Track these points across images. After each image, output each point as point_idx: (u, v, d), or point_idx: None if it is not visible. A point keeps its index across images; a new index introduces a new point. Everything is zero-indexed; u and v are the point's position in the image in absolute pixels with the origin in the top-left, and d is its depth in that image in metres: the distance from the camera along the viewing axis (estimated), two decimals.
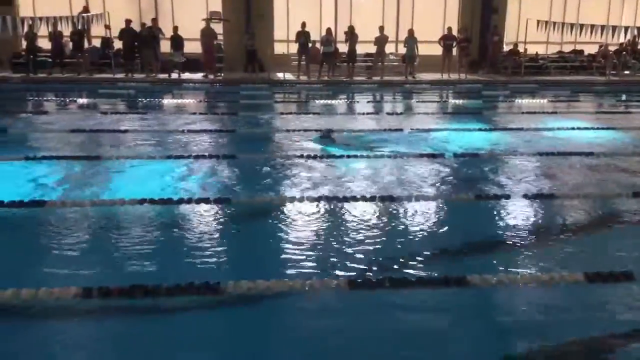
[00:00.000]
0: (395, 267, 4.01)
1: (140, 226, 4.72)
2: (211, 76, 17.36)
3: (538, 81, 18.16)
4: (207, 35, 17.23)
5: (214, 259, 4.14)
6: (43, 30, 16.17)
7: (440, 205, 5.54)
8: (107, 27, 17.46)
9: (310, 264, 4.04)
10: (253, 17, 19.12)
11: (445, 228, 4.90)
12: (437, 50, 18.87)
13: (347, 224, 4.84)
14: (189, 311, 3.43)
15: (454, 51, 19.02)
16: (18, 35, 15.99)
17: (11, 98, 13.21)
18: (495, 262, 4.14)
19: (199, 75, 17.79)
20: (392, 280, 3.53)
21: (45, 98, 13.66)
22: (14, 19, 13.55)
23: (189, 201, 5.13)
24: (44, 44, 17.29)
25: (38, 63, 16.91)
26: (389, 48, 19.36)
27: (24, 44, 17.06)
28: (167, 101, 13.49)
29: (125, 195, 5.24)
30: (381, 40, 18.24)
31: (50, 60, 17.10)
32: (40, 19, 14.71)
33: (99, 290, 3.31)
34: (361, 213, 5.08)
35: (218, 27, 18.22)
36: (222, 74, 17.69)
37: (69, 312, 3.37)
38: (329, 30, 18.10)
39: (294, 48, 18.90)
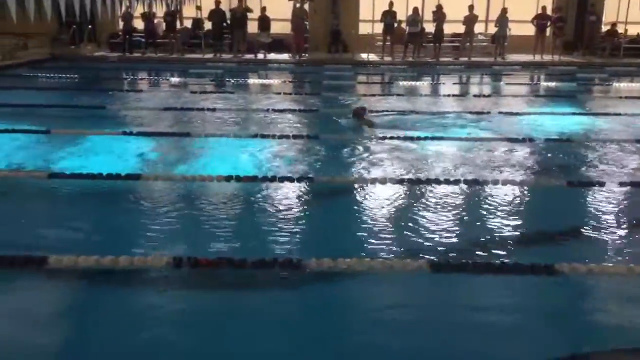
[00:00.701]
0: (479, 252, 3.92)
1: (226, 202, 4.89)
2: (298, 57, 17.47)
3: (639, 64, 16.95)
4: (298, 15, 17.31)
5: (297, 236, 4.23)
6: (138, 11, 16.87)
7: (530, 191, 5.34)
8: (199, 8, 17.98)
9: (391, 245, 4.04)
10: None
11: (534, 214, 4.74)
12: (530, 30, 18.00)
13: (430, 207, 4.78)
14: (271, 286, 3.52)
15: (548, 31, 18.08)
16: (115, 16, 16.79)
17: (108, 76, 13.96)
18: (585, 251, 3.97)
19: (284, 56, 17.99)
20: (476, 264, 3.46)
21: (139, 76, 14.31)
22: (113, 1, 14.22)
23: (272, 179, 5.24)
24: (139, 24, 18.07)
25: (133, 43, 17.72)
26: (478, 28, 18.69)
27: (121, 24, 17.93)
28: (253, 81, 13.78)
29: (212, 172, 5.44)
30: (471, 20, 17.64)
31: (143, 40, 17.87)
32: (137, 0, 15.35)
33: (188, 260, 3.47)
34: (445, 196, 5.00)
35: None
36: (307, 55, 17.78)
37: (160, 279, 3.55)
38: (415, 9, 17.72)
39: (378, 28, 18.66)
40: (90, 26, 17.44)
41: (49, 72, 13.69)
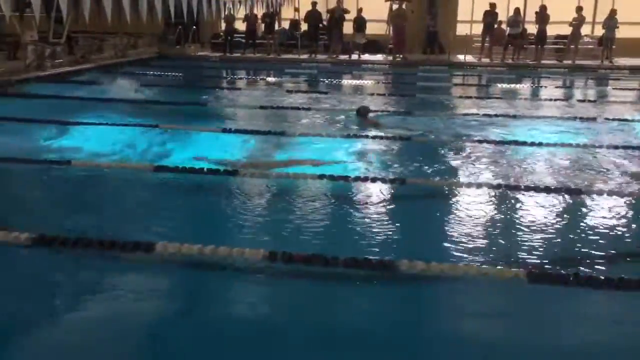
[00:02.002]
0: (580, 264, 3.75)
1: (319, 200, 4.97)
2: (398, 57, 17.37)
3: None
4: (399, 16, 17.24)
5: (389, 237, 4.23)
6: (240, 13, 17.47)
7: (637, 203, 5.02)
8: (296, 9, 18.38)
9: (486, 251, 3.95)
10: None
11: None
12: None
13: (528, 215, 4.62)
14: (362, 285, 3.56)
15: None
16: (218, 18, 17.50)
17: (210, 75, 14.58)
18: None
19: (378, 57, 17.99)
20: (577, 277, 3.31)
21: (238, 76, 14.86)
22: (217, 2, 14.86)
23: (365, 179, 5.28)
24: (240, 26, 18.71)
25: (234, 44, 18.40)
26: (584, 30, 17.74)
27: (223, 26, 18.66)
28: (347, 81, 13.88)
29: (306, 170, 5.56)
30: (578, 21, 16.77)
31: (244, 41, 18.49)
32: (240, 1, 15.93)
33: (283, 254, 3.58)
34: (544, 204, 4.81)
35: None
36: (400, 56, 17.65)
37: (255, 272, 3.68)
38: (517, 10, 17.11)
39: (477, 29, 18.21)
40: (194, 27, 18.29)
41: (155, 69, 14.52)
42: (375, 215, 4.63)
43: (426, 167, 6.02)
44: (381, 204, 4.88)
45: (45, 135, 7.04)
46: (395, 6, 17.72)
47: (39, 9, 9.19)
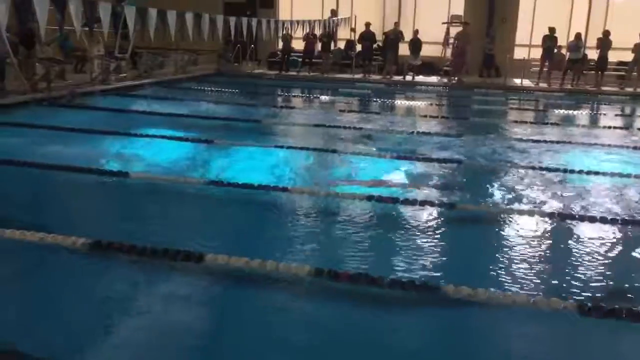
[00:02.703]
0: (635, 298, 3.62)
1: (367, 220, 5.00)
2: (454, 80, 17.27)
3: None
4: (461, 38, 17.16)
5: (436, 261, 4.20)
6: (298, 33, 17.78)
7: None
8: (353, 29, 18.58)
9: (536, 281, 3.87)
10: (495, 20, 18.60)
11: None
12: None
13: (580, 244, 4.51)
14: (406, 307, 3.55)
15: None
16: (276, 37, 17.87)
17: (266, 92, 14.88)
18: None
19: (433, 78, 17.94)
20: (632, 312, 3.20)
21: (293, 94, 15.10)
22: (276, 22, 15.21)
23: (414, 202, 5.27)
24: (295, 44, 19.04)
25: (290, 62, 18.73)
26: None
27: (280, 44, 19.05)
28: (400, 102, 13.88)
29: (355, 190, 5.61)
30: None
31: (300, 60, 18.80)
32: (298, 22, 16.25)
33: (328, 272, 3.62)
34: (598, 234, 4.68)
35: (455, 31, 18.09)
36: (457, 78, 17.54)
37: (300, 287, 3.72)
38: (578, 35, 16.75)
39: (535, 53, 17.91)
40: (252, 45, 18.75)
41: (213, 86, 14.94)
42: (422, 239, 4.61)
43: (477, 192, 5.95)
44: (429, 228, 4.86)
45: (107, 146, 7.37)
46: (452, 28, 17.68)
47: (108, 25, 9.66)
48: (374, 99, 13.86)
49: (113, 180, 5.75)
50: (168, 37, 10.84)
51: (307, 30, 17.15)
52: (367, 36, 17.87)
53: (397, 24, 17.84)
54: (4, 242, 4.02)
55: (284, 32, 16.63)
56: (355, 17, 18.55)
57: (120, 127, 8.17)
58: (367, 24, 17.83)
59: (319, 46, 18.62)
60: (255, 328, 3.30)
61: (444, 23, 18.59)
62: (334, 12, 19.38)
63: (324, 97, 14.20)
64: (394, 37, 17.42)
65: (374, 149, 7.81)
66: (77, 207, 5.44)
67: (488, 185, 6.19)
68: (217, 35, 12.10)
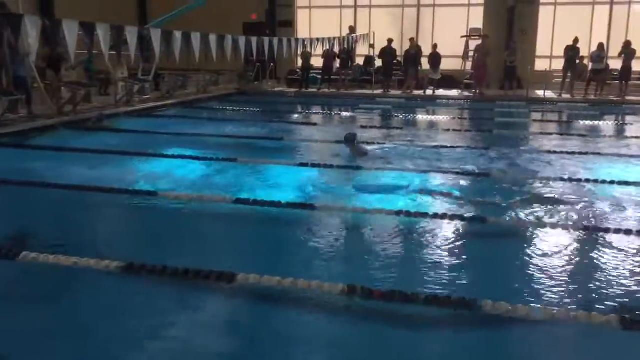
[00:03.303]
0: None
1: (397, 236, 4.95)
2: (476, 92, 17.19)
3: None
4: (481, 51, 17.12)
5: (470, 277, 4.14)
6: (318, 51, 17.87)
7: None
8: (372, 46, 18.64)
9: (575, 295, 3.79)
10: (515, 32, 18.53)
11: None
12: None
13: (616, 257, 4.40)
14: (443, 324, 3.48)
15: None
16: (296, 55, 18.00)
17: (286, 110, 14.95)
18: None
19: (453, 92, 17.88)
20: None
21: (313, 111, 15.15)
22: (297, 40, 15.35)
23: (443, 216, 5.20)
24: (314, 61, 19.13)
25: (310, 79, 18.84)
26: None
27: (300, 62, 19.19)
28: (422, 117, 13.83)
29: (383, 205, 5.56)
30: None
31: (319, 77, 18.88)
32: (318, 39, 16.37)
33: (362, 289, 3.57)
34: (632, 246, 4.56)
35: (475, 44, 18.04)
36: (478, 91, 17.46)
37: (334, 306, 3.67)
38: (600, 45, 16.60)
39: (557, 64, 17.77)
40: (272, 64, 18.90)
41: (235, 105, 15.06)
42: (454, 254, 4.54)
43: (507, 205, 5.85)
44: (461, 242, 4.79)
45: (133, 167, 7.44)
46: (472, 42, 17.65)
47: (134, 48, 9.83)
48: (396, 114, 13.83)
49: (142, 200, 5.79)
50: (192, 59, 10.99)
51: (326, 47, 17.25)
52: (389, 52, 17.91)
53: (412, 40, 17.83)
54: (38, 266, 4.05)
55: (303, 50, 16.75)
56: (374, 33, 18.62)
57: (145, 148, 8.25)
58: (390, 40, 17.89)
59: (337, 63, 18.69)
60: (288, 348, 3.26)
61: (463, 37, 18.58)
62: (352, 29, 19.49)
63: (344, 114, 14.22)
64: (414, 52, 17.44)
65: (399, 164, 7.76)
66: (107, 228, 5.48)
67: (518, 198, 6.10)
68: (240, 55, 12.25)
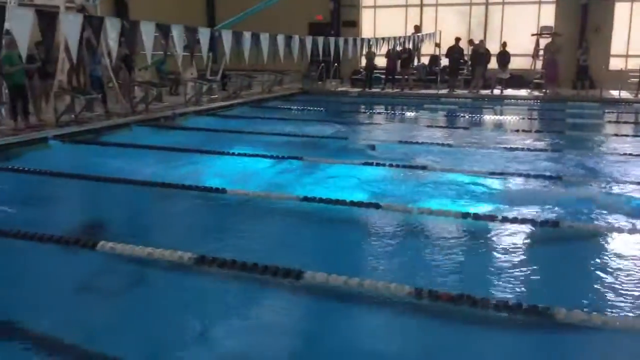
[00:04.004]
0: None
1: (464, 239, 4.87)
2: (548, 91, 16.66)
3: None
4: (552, 50, 16.56)
5: (541, 283, 4.03)
6: (381, 49, 17.78)
7: None
8: (437, 45, 18.36)
9: None
10: (588, 30, 17.79)
11: None
12: None
13: None
14: (513, 331, 3.40)
15: None
16: (360, 55, 17.97)
17: (350, 110, 14.96)
18: None
19: (522, 92, 17.37)
20: None
21: (376, 110, 15.08)
22: (361, 40, 15.33)
23: (513, 220, 5.07)
24: (378, 61, 19.00)
25: (373, 79, 18.75)
26: None
27: (363, 62, 19.13)
28: (489, 117, 13.52)
29: (448, 207, 5.49)
30: None
31: (383, 76, 18.76)
32: (383, 39, 16.29)
33: (429, 292, 3.54)
34: None
35: (545, 42, 17.43)
36: (549, 90, 16.87)
37: (400, 307, 3.65)
38: None
39: (633, 63, 16.92)
40: (336, 64, 18.95)
41: (299, 104, 15.22)
42: (525, 259, 4.43)
43: (580, 209, 5.64)
44: (532, 247, 4.67)
45: (203, 164, 7.65)
46: (542, 40, 17.08)
47: (206, 49, 10.10)
48: (461, 114, 13.58)
49: (212, 197, 5.95)
50: (261, 59, 11.18)
51: (391, 46, 17.13)
52: (456, 50, 17.59)
53: (481, 41, 17.41)
54: (115, 256, 4.24)
55: (368, 49, 16.69)
56: (440, 32, 18.34)
57: (213, 145, 8.47)
58: (457, 39, 17.56)
59: (399, 63, 18.49)
60: (351, 348, 3.27)
61: (533, 35, 17.99)
62: (418, 28, 19.26)
63: (408, 114, 14.09)
64: (483, 50, 17.06)
65: (464, 165, 7.62)
66: (179, 222, 5.68)
67: (591, 202, 5.86)
68: (306, 55, 12.37)
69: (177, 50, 9.48)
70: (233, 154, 8.00)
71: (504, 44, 17.27)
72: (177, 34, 9.23)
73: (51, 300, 3.82)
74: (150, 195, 6.21)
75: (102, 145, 9.01)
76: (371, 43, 15.99)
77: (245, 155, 7.96)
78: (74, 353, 3.13)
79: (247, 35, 10.68)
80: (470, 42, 17.83)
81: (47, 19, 7.51)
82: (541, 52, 17.37)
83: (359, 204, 5.54)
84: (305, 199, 5.71)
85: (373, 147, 8.53)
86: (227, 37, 10.35)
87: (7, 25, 7.15)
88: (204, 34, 10.07)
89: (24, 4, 10.09)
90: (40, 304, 3.75)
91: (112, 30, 8.20)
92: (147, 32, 8.65)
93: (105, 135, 9.75)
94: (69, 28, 7.65)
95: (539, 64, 17.79)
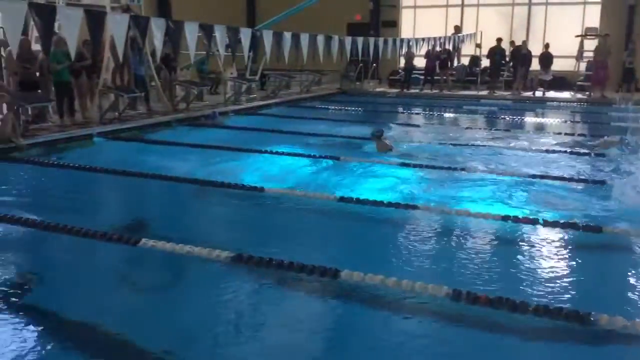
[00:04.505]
0: None
1: (503, 241, 4.80)
2: (590, 94, 16.26)
3: None
4: (602, 51, 16.17)
5: (582, 287, 3.94)
6: (420, 50, 17.66)
7: None
8: (478, 45, 18.12)
9: None
10: (635, 32, 17.27)
11: None
12: None
13: None
14: (554, 337, 3.33)
15: None
16: (398, 55, 17.88)
17: (387, 110, 14.90)
18: None
19: (565, 94, 16.98)
20: None
21: (415, 111, 14.96)
22: (401, 41, 15.28)
23: (555, 224, 4.97)
24: (417, 62, 18.87)
25: (412, 80, 18.64)
26: None
27: (402, 62, 19.03)
28: (530, 119, 13.25)
29: (487, 210, 5.41)
30: None
31: (421, 77, 18.63)
32: (423, 39, 16.20)
33: (467, 294, 3.50)
34: None
35: (589, 44, 17.00)
36: (591, 93, 16.46)
37: (435, 309, 3.63)
38: None
39: None
40: (374, 64, 18.91)
41: (336, 104, 15.24)
42: (566, 263, 4.35)
43: (624, 215, 5.48)
44: (573, 252, 4.57)
45: (241, 162, 7.75)
46: (587, 41, 16.67)
47: (247, 49, 10.24)
48: (502, 116, 13.37)
49: (249, 195, 6.02)
50: (300, 59, 11.27)
51: (430, 47, 17.00)
52: (498, 51, 17.33)
53: (525, 41, 17.10)
54: (155, 253, 4.34)
55: (407, 50, 16.61)
56: (481, 32, 18.09)
57: (252, 144, 8.56)
58: (499, 40, 17.30)
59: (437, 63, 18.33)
60: (385, 348, 3.26)
61: (577, 36, 17.59)
62: (458, 29, 19.05)
63: (447, 115, 13.95)
64: (525, 51, 16.76)
65: (504, 168, 7.50)
66: (217, 219, 5.77)
67: (636, 208, 5.69)
68: (345, 56, 12.41)
69: (219, 49, 9.65)
70: (270, 152, 8.08)
71: (546, 45, 16.95)
72: (219, 34, 9.39)
73: (91, 292, 3.93)
74: (189, 192, 6.32)
75: (144, 142, 9.22)
76: (410, 43, 15.90)
77: (282, 154, 8.03)
78: (110, 343, 3.21)
79: (287, 36, 10.78)
80: (512, 43, 17.55)
81: (95, 19, 7.75)
82: (586, 54, 16.96)
83: (396, 205, 5.51)
84: (342, 199, 5.72)
85: (391, 148, 8.46)
86: (267, 37, 10.47)
87: (56, 25, 7.40)
88: (245, 34, 10.21)
89: (72, 3, 10.41)
90: (81, 295, 3.87)
91: (157, 30, 8.40)
92: (191, 32, 8.83)
93: (147, 132, 9.97)
94: (116, 27, 7.88)
95: (583, 66, 17.38)
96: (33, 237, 4.80)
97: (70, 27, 7.40)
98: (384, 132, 8.77)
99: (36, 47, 9.38)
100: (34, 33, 9.80)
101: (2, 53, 9.67)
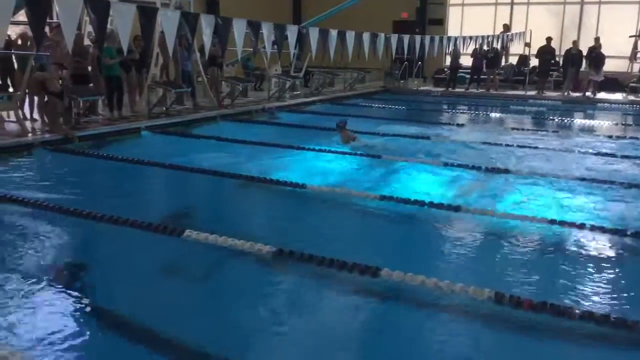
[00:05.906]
0: None
1: (549, 245, 4.69)
2: None
3: None
4: None
5: (630, 295, 3.81)
6: (467, 48, 17.39)
7: None
8: (527, 44, 17.71)
9: None
10: None
11: None
12: None
13: None
14: (600, 344, 3.24)
15: None
16: (444, 53, 17.67)
17: (433, 109, 14.72)
18: None
19: (617, 96, 16.43)
20: None
21: (460, 111, 14.75)
22: (447, 39, 15.09)
23: (602, 229, 4.83)
24: (463, 60, 18.58)
25: (457, 79, 18.38)
26: None
27: (448, 61, 18.79)
28: (580, 121, 12.89)
29: (533, 213, 5.29)
30: None
31: (467, 76, 18.34)
32: (470, 38, 15.96)
33: (510, 298, 3.44)
34: None
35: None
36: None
37: (477, 312, 3.57)
38: None
39: None
40: (419, 63, 18.74)
41: (380, 102, 15.16)
42: (612, 270, 4.21)
43: None
44: (620, 258, 4.43)
45: (285, 158, 7.82)
46: None
47: (294, 46, 10.31)
48: (550, 117, 13.05)
49: (291, 191, 6.06)
50: (345, 56, 11.27)
51: (477, 45, 16.73)
52: (548, 51, 16.91)
53: (576, 41, 16.61)
54: (199, 244, 4.42)
55: (454, 48, 16.38)
56: (531, 31, 17.68)
57: (295, 141, 8.62)
58: (549, 39, 16.87)
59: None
60: (423, 349, 3.24)
61: (631, 36, 16.99)
62: (507, 27, 18.67)
63: (494, 115, 13.69)
64: (576, 51, 16.29)
65: (552, 170, 7.31)
66: (260, 215, 5.84)
67: None
68: (391, 53, 12.35)
69: (265, 46, 9.74)
70: (313, 149, 8.11)
71: (598, 45, 16.42)
72: (266, 30, 9.48)
73: (135, 280, 4.04)
74: (232, 186, 6.42)
75: (190, 137, 9.40)
76: (457, 42, 15.68)
77: (324, 151, 8.05)
78: (149, 332, 3.28)
79: (333, 33, 10.79)
80: (574, 44, 17.01)
81: (147, 15, 7.93)
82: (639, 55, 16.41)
83: (438, 206, 5.47)
84: (384, 197, 5.70)
85: (354, 138, 8.55)
86: (314, 35, 10.51)
87: (109, 20, 7.62)
88: (292, 31, 10.28)
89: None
90: (124, 285, 3.98)
91: (206, 26, 8.54)
92: (239, 29, 8.95)
93: (194, 127, 10.16)
94: (167, 24, 8.04)
95: (637, 67, 16.80)
96: (82, 226, 4.95)
97: (123, 23, 7.60)
98: (346, 122, 8.83)
99: (86, 41, 9.67)
100: (86, 28, 10.12)
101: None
